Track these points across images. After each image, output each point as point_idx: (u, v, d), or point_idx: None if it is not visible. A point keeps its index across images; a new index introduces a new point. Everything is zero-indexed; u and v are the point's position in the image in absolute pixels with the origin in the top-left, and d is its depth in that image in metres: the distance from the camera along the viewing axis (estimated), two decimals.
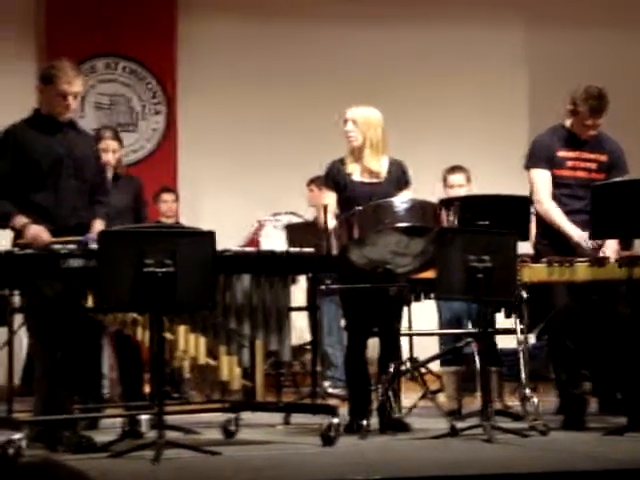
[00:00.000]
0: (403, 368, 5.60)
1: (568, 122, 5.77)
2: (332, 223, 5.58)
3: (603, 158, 5.75)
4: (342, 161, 5.76)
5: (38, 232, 5.05)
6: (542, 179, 5.73)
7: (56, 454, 4.81)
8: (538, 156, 5.78)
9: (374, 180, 5.73)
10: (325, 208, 5.66)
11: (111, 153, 6.32)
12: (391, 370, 5.53)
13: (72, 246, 4.93)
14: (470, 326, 6.51)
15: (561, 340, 5.60)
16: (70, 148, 5.25)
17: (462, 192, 6.79)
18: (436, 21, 9.84)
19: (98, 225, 5.24)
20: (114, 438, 5.08)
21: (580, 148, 5.73)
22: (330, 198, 5.72)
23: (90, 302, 4.95)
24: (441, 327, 6.67)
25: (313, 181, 8.16)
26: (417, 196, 5.69)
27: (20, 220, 5.11)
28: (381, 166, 5.71)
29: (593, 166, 5.74)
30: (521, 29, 10.07)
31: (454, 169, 6.99)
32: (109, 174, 6.11)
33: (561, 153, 5.73)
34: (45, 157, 5.19)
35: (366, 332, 5.70)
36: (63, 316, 4.96)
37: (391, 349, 5.55)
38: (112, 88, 9.55)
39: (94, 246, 4.84)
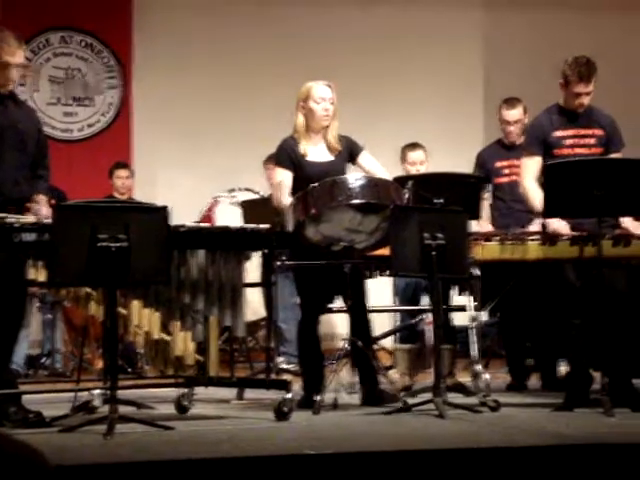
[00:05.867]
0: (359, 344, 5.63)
1: (561, 100, 5.78)
2: (287, 200, 5.58)
3: (600, 132, 5.72)
4: (293, 139, 5.76)
5: None
6: (527, 164, 5.70)
7: (3, 429, 4.80)
8: (529, 141, 5.79)
9: (327, 159, 5.75)
10: (280, 184, 5.66)
11: None
12: (346, 346, 5.58)
13: (25, 219, 4.90)
14: (426, 300, 6.55)
15: (567, 318, 5.50)
16: (13, 120, 5.13)
17: (422, 169, 6.81)
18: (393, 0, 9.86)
19: (41, 200, 5.15)
20: (65, 413, 5.08)
21: (576, 125, 5.70)
22: (286, 176, 5.71)
23: (43, 276, 4.94)
24: (396, 295, 6.71)
25: (272, 159, 8.13)
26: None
27: None
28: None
29: (592, 141, 5.72)
30: (479, 9, 10.11)
31: (413, 146, 7.00)
32: None
33: (558, 133, 5.70)
34: None
35: (319, 308, 5.74)
36: (7, 287, 4.93)
37: (361, 325, 5.62)
38: (67, 62, 9.48)
39: (48, 220, 4.81)
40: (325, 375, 5.57)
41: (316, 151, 5.75)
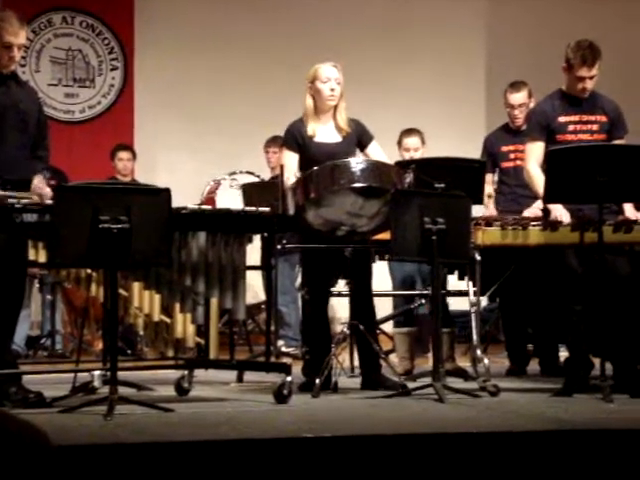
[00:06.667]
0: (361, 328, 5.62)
1: (564, 85, 5.75)
2: (290, 183, 5.57)
3: (603, 119, 5.69)
4: (302, 122, 5.75)
5: None
6: (531, 149, 5.69)
7: (5, 409, 4.80)
8: (532, 126, 5.76)
9: (335, 140, 5.73)
10: (282, 167, 5.66)
11: None
12: (345, 330, 5.58)
13: (26, 200, 4.89)
14: (422, 287, 6.55)
15: (568, 304, 5.47)
16: (14, 101, 5.12)
17: (417, 155, 6.79)
18: None
19: (36, 182, 5.13)
20: (65, 393, 5.08)
21: (579, 110, 5.67)
22: (291, 159, 5.71)
23: (43, 257, 4.94)
24: (394, 289, 6.72)
25: (272, 142, 8.11)
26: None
27: None
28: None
29: (595, 127, 5.69)
30: None
31: (410, 132, 6.97)
32: None
33: (561, 118, 5.67)
34: None
35: (327, 290, 5.75)
36: (8, 268, 4.93)
37: (365, 309, 5.64)
38: (69, 42, 9.47)
39: (49, 201, 4.81)
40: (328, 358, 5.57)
41: (324, 132, 5.74)
